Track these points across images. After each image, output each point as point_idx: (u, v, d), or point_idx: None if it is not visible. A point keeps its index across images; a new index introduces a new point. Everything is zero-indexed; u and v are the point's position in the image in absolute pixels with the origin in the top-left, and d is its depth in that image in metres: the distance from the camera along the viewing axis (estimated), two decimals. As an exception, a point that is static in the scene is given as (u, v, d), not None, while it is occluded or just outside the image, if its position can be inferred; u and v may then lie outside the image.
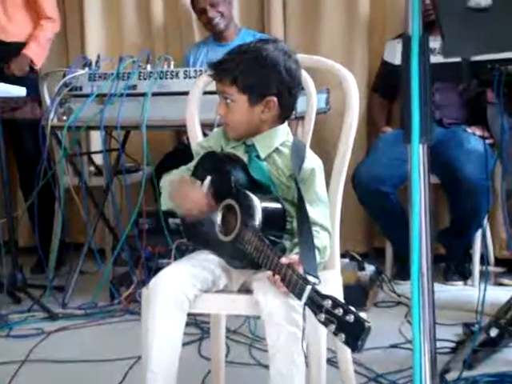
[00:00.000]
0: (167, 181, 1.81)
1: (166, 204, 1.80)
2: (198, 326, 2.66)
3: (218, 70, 1.70)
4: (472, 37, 0.92)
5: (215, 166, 1.73)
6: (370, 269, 3.04)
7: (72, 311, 3.00)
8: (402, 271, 3.27)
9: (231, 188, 1.66)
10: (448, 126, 3.24)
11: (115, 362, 2.40)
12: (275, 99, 1.68)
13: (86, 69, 3.02)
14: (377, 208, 3.19)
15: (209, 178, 1.73)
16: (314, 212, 1.66)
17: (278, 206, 1.65)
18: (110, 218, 3.47)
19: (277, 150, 1.73)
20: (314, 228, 1.64)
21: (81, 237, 3.61)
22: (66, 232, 3.58)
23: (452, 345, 2.38)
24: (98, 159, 3.67)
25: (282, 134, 1.75)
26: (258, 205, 1.60)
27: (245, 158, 1.72)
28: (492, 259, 3.41)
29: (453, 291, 3.13)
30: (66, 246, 3.55)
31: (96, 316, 2.93)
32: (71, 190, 3.10)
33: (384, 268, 3.32)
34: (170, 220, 3.00)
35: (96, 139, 3.76)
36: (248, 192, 1.63)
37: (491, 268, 3.33)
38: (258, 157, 1.72)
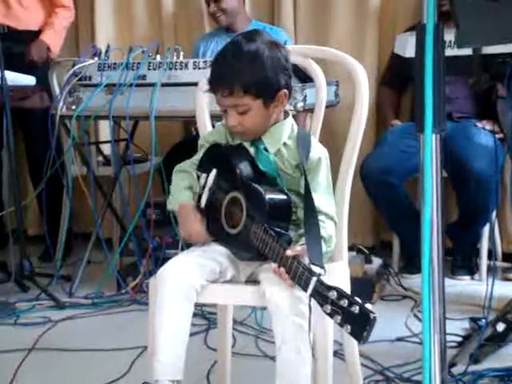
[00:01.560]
0: (175, 181, 1.81)
1: (173, 206, 1.80)
2: (204, 316, 2.66)
3: (225, 83, 1.64)
4: (487, 26, 0.91)
5: (221, 158, 1.73)
6: (376, 262, 3.04)
7: (79, 300, 3.01)
8: (409, 265, 3.27)
9: (236, 180, 1.66)
10: (457, 120, 3.22)
11: (121, 352, 2.41)
12: (286, 91, 1.68)
13: (96, 58, 3.02)
14: (384, 200, 3.17)
15: (214, 172, 1.73)
16: (319, 201, 1.65)
17: (284, 197, 1.65)
18: (118, 208, 3.48)
19: (284, 143, 1.73)
20: (320, 217, 1.63)
21: (89, 226, 3.61)
22: (74, 221, 3.59)
23: (459, 339, 2.39)
24: (107, 149, 3.67)
25: (288, 128, 1.75)
26: (264, 197, 1.60)
27: (251, 150, 1.72)
28: (499, 254, 3.40)
29: (460, 286, 3.12)
30: (73, 235, 3.55)
31: (103, 306, 2.94)
32: (79, 179, 3.10)
33: (391, 261, 3.32)
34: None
35: (104, 129, 3.76)
36: (253, 184, 1.63)
37: (498, 263, 3.32)
38: (266, 149, 1.71)
